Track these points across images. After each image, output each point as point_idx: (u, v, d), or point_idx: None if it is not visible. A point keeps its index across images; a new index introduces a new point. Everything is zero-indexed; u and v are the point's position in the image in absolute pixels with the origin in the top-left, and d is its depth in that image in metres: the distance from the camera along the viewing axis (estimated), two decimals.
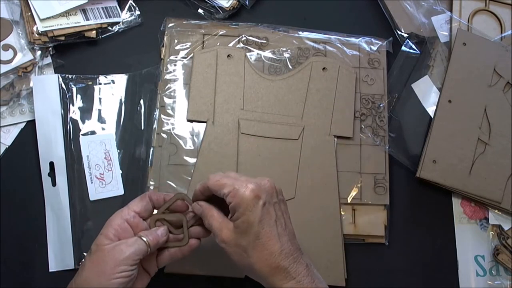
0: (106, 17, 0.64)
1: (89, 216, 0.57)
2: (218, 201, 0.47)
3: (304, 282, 0.44)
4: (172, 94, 0.61)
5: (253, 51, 0.64)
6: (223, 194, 0.45)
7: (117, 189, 0.59)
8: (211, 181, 0.46)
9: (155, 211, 0.50)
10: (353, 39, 0.66)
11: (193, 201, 0.49)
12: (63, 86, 0.61)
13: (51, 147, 0.59)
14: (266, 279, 0.44)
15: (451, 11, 0.70)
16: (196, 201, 0.48)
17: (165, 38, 0.64)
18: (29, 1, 0.61)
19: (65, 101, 0.60)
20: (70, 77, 0.61)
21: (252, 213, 0.43)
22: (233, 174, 0.47)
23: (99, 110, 0.61)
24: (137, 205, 0.48)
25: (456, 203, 0.64)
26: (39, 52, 0.62)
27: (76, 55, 0.64)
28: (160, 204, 0.49)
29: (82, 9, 0.63)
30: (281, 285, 0.43)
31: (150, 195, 0.49)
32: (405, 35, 0.68)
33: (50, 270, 0.56)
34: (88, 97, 0.61)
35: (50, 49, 0.63)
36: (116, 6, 0.65)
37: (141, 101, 0.62)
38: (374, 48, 0.66)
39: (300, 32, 0.66)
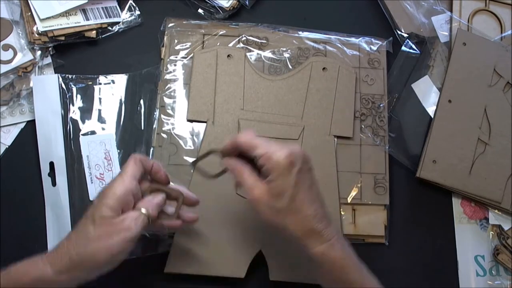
0: (106, 17, 0.64)
1: None
2: (245, 156, 0.47)
3: (336, 246, 0.44)
4: (172, 94, 0.61)
5: (253, 51, 0.64)
6: (254, 155, 0.45)
7: None
8: (242, 139, 0.46)
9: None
10: (353, 39, 0.66)
11: (223, 156, 0.48)
12: (63, 86, 0.61)
13: (51, 147, 0.59)
14: (299, 241, 0.45)
15: (451, 11, 0.70)
16: (228, 157, 0.48)
17: (165, 38, 0.64)
18: (29, 1, 0.61)
19: (65, 101, 0.60)
20: (70, 77, 0.61)
21: (287, 179, 0.44)
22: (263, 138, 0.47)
23: (99, 110, 0.61)
24: (135, 171, 0.46)
25: (456, 203, 0.64)
26: (39, 52, 0.62)
27: (76, 55, 0.64)
28: (148, 169, 0.48)
29: (82, 9, 0.63)
30: (314, 247, 0.44)
31: (140, 159, 0.47)
32: (405, 35, 0.68)
33: None
34: (88, 97, 0.61)
35: (50, 49, 0.63)
36: (116, 6, 0.65)
37: (141, 101, 0.62)
38: (374, 48, 0.66)
39: (300, 32, 0.66)
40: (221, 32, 0.64)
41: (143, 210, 0.45)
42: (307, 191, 0.45)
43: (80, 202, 0.58)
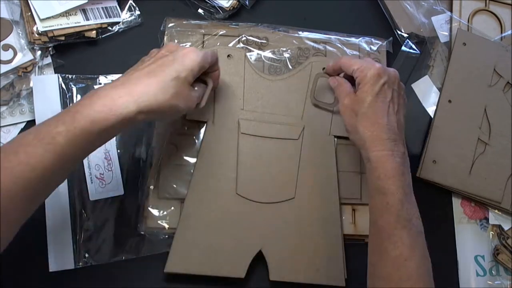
0: (106, 17, 0.64)
1: (89, 216, 0.57)
2: (347, 79, 0.56)
3: (395, 159, 0.49)
4: None
5: (253, 51, 0.64)
6: (352, 70, 0.53)
7: (117, 189, 0.59)
8: (343, 60, 0.55)
9: None
10: (353, 39, 0.66)
11: (329, 75, 0.59)
12: (63, 86, 0.61)
13: None
14: (364, 143, 0.51)
15: (451, 11, 0.70)
16: (334, 76, 0.59)
17: (165, 38, 0.64)
18: (29, 1, 0.61)
19: (65, 101, 0.60)
20: (70, 77, 0.61)
21: (371, 87, 0.51)
22: (367, 59, 0.56)
23: None
24: (213, 62, 0.52)
25: (456, 203, 0.64)
26: (39, 52, 0.62)
27: (76, 55, 0.64)
28: (213, 68, 0.53)
29: (82, 9, 0.63)
30: (374, 151, 0.50)
31: (217, 60, 0.53)
32: (405, 35, 0.68)
33: (50, 270, 0.56)
34: None
35: (50, 49, 0.62)
36: (116, 6, 0.65)
37: None
38: (374, 48, 0.66)
39: (300, 32, 0.66)
40: (221, 32, 0.64)
41: (197, 88, 0.51)
42: (386, 104, 0.51)
43: (80, 202, 0.58)
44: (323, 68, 0.63)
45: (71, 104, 0.60)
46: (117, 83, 0.46)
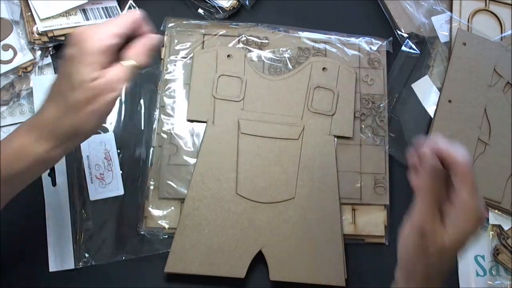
0: (106, 17, 0.64)
1: (89, 216, 0.57)
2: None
3: None
4: (172, 94, 0.61)
5: (253, 51, 0.64)
6: (461, 193, 0.39)
7: (117, 189, 0.59)
8: (462, 168, 0.39)
9: None
10: (353, 39, 0.66)
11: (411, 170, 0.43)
12: None
13: None
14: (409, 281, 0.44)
15: (451, 11, 0.70)
16: (418, 177, 0.41)
17: (165, 38, 0.64)
18: (29, 1, 0.61)
19: None
20: None
21: (465, 237, 0.40)
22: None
23: None
24: (127, 29, 0.42)
25: None
26: (39, 52, 0.62)
27: None
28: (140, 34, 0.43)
29: (82, 9, 0.63)
30: None
31: (141, 24, 0.43)
32: (405, 35, 0.68)
33: (50, 270, 0.56)
34: None
35: (50, 49, 0.62)
36: (116, 6, 0.65)
37: (141, 101, 0.62)
38: (374, 48, 0.66)
39: (300, 32, 0.66)
40: (221, 32, 0.64)
41: (129, 63, 0.42)
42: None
43: (80, 202, 0.58)
44: (323, 68, 0.63)
45: None
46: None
